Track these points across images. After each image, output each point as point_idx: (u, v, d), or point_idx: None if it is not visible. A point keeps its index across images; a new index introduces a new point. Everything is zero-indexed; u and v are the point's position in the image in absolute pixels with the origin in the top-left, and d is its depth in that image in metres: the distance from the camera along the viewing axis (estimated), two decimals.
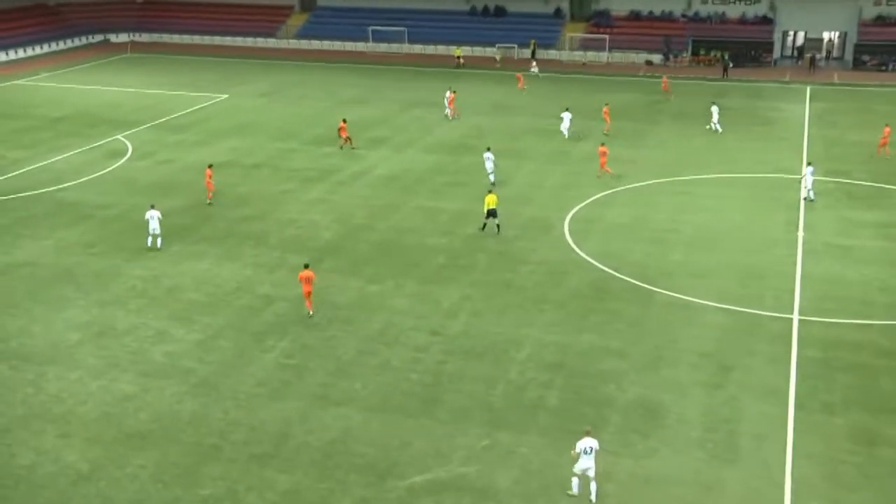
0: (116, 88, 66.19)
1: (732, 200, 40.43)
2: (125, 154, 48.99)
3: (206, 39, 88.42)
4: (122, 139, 52.13)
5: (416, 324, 28.94)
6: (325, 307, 30.07)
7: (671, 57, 74.98)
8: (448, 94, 57.00)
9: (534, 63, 71.99)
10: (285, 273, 32.77)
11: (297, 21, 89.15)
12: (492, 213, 36.21)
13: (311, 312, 29.43)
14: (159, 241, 35.26)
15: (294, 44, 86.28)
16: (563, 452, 22.13)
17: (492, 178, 42.31)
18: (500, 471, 21.83)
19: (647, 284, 31.61)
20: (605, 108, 53.20)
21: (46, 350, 27.43)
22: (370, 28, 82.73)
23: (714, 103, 54.02)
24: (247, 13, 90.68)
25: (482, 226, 36.68)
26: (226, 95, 64.39)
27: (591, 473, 20.84)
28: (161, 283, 32.20)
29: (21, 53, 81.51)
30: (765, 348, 27.28)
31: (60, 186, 43.36)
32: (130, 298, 30.96)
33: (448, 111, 56.33)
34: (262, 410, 24.31)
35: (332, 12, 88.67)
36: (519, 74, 66.24)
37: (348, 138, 49.43)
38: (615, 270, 32.78)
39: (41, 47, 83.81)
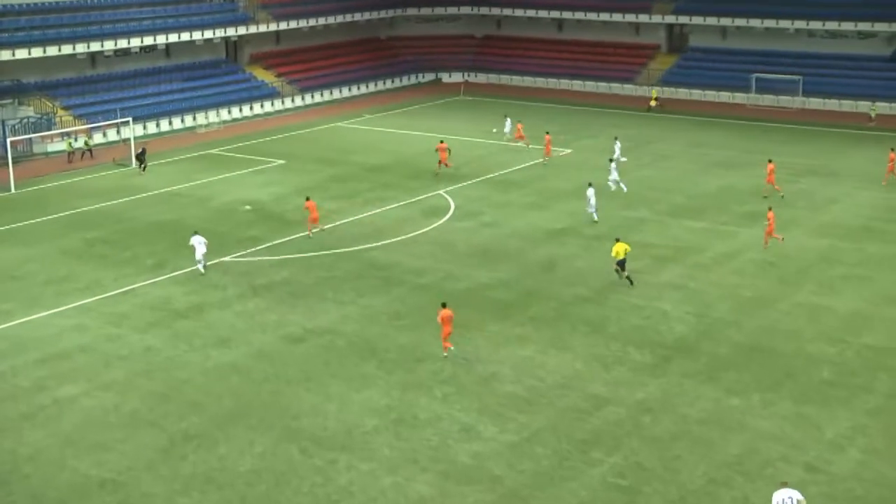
0: (444, 136, 70.21)
1: None
2: (447, 212, 51.66)
3: (551, 83, 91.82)
4: (445, 195, 55.08)
5: (788, 454, 27.63)
6: (670, 419, 29.58)
7: None
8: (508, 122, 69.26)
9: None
10: (624, 371, 32.68)
11: (661, 64, 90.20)
12: (621, 265, 40.01)
13: (449, 349, 33.96)
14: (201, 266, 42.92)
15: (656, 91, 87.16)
16: None
17: (594, 216, 48.86)
18: None
19: None
20: (770, 166, 53.68)
21: (339, 434, 29.20)
22: (753, 75, 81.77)
23: None
24: (602, 53, 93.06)
25: (628, 281, 40.14)
26: (569, 150, 66.13)
27: None
28: (474, 368, 33.30)
29: (346, 92, 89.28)
30: None
31: (372, 245, 46.50)
32: (437, 384, 32.27)
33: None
34: None
35: (705, 54, 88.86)
36: None
37: (444, 162, 58.53)
38: None
39: (367, 86, 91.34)
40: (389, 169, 61.66)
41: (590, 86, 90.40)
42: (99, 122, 70.13)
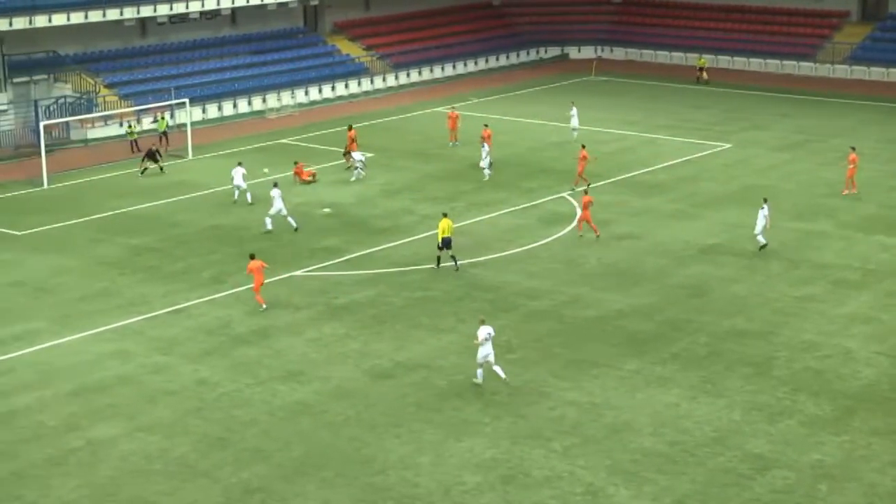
0: (570, 125, 70.01)
1: None
2: (571, 221, 51.46)
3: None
4: (570, 199, 54.91)
5: None
6: (855, 489, 29.00)
7: None
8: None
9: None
10: (795, 426, 32.16)
11: (851, 37, 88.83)
12: (446, 244, 44.25)
13: (263, 307, 40.78)
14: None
15: (842, 71, 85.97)
16: None
17: (276, 221, 50.74)
18: None
19: None
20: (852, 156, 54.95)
21: (433, 492, 29.17)
22: None
23: None
24: (773, 23, 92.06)
25: (436, 262, 44.86)
26: (727, 145, 65.44)
27: (492, 358, 34.16)
28: (603, 416, 33.07)
29: (449, 71, 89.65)
30: None
31: (477, 260, 46.53)
32: (557, 434, 32.11)
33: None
34: None
35: None
36: None
37: (312, 176, 59.61)
38: None
39: (475, 63, 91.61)
40: (502, 165, 61.61)
41: (756, 64, 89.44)
42: (149, 103, 71.07)
